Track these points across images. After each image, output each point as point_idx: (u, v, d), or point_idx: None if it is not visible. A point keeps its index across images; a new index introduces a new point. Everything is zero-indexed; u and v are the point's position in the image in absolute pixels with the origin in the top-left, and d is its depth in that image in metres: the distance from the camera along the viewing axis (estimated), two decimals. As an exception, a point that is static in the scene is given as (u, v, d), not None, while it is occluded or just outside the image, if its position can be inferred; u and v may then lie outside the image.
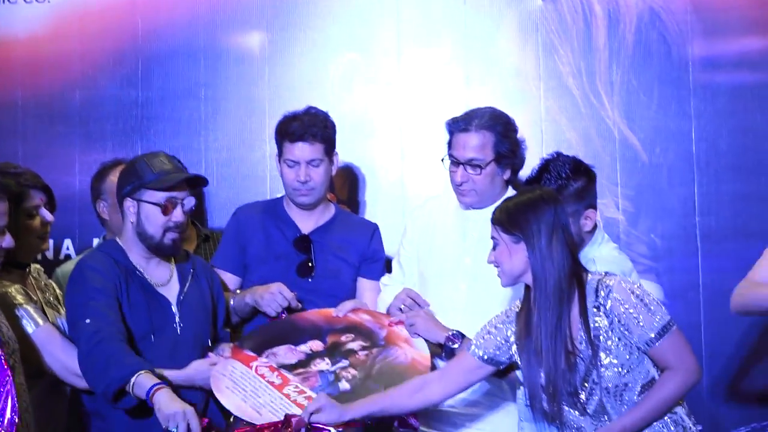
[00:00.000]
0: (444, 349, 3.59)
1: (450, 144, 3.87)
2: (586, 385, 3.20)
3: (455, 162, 3.83)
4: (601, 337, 3.18)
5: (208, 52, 4.88)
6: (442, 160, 3.89)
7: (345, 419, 3.36)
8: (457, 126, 3.85)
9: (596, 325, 3.18)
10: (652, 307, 3.17)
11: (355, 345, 3.71)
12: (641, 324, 3.15)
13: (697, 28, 4.69)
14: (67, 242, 4.83)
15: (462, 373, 3.42)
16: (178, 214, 3.64)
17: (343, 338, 3.73)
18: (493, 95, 4.71)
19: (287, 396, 3.54)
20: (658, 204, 4.67)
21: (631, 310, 3.16)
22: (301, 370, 3.62)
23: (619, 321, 3.16)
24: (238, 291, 4.00)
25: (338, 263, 4.06)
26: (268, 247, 4.07)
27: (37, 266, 3.84)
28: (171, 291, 3.72)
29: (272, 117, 4.72)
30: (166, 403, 3.31)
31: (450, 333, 3.60)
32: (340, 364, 3.64)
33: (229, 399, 3.55)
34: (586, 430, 3.26)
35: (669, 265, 4.64)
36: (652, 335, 3.15)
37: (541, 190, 3.36)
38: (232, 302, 3.95)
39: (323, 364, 3.64)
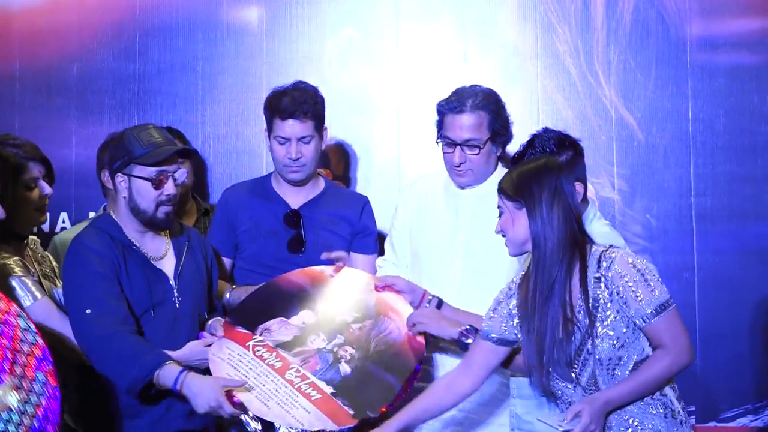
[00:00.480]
0: (459, 345, 3.56)
1: (442, 125, 3.86)
2: (580, 355, 3.19)
3: (450, 143, 3.83)
4: (599, 308, 3.17)
5: (206, 27, 4.87)
6: (437, 142, 3.88)
7: None
8: (450, 107, 3.83)
9: (596, 295, 3.17)
10: (652, 283, 3.16)
11: (347, 316, 3.69)
12: (639, 298, 3.14)
13: (695, 8, 4.68)
14: (63, 215, 4.83)
15: (483, 361, 3.41)
16: (170, 188, 3.62)
17: (333, 309, 3.71)
18: (491, 73, 4.71)
19: (291, 383, 3.51)
20: (654, 184, 4.67)
21: (631, 284, 3.14)
22: (298, 350, 3.60)
23: (618, 294, 3.15)
24: (234, 287, 3.98)
25: (329, 237, 4.05)
26: (258, 224, 4.07)
27: (34, 237, 3.85)
28: (168, 265, 3.71)
29: (269, 92, 4.71)
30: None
31: (463, 328, 3.55)
32: (336, 341, 3.62)
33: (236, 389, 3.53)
34: None
35: (664, 246, 4.65)
36: (649, 311, 3.14)
37: (546, 158, 3.36)
38: (227, 296, 3.93)
39: (319, 341, 3.63)
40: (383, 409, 3.48)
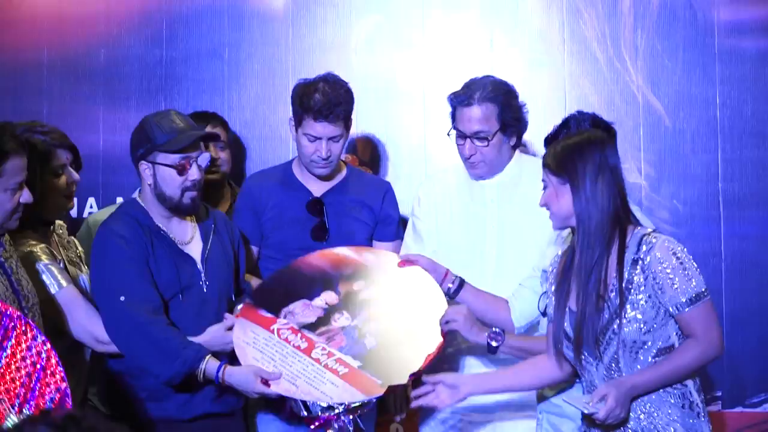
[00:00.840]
0: (488, 349, 3.57)
1: (454, 117, 3.88)
2: (605, 334, 3.18)
3: (461, 135, 3.85)
4: (632, 290, 3.15)
5: (232, 13, 4.87)
6: (448, 134, 3.91)
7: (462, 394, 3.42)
8: (459, 100, 3.86)
9: (631, 277, 3.16)
10: (689, 273, 3.14)
11: (368, 294, 3.69)
12: (675, 286, 3.12)
13: (723, -7, 4.67)
14: (91, 200, 4.85)
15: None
16: (194, 173, 3.63)
17: (355, 287, 3.71)
18: (517, 60, 4.71)
19: (317, 361, 3.52)
20: (681, 170, 4.65)
21: (668, 271, 3.12)
22: (323, 329, 3.61)
23: (654, 279, 3.13)
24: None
25: (352, 224, 4.07)
26: (282, 213, 4.08)
27: (60, 222, 3.87)
28: (195, 249, 3.73)
29: (295, 78, 4.67)
30: (238, 382, 3.52)
31: (491, 332, 3.56)
32: (361, 317, 3.63)
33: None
34: (598, 387, 3.24)
35: (691, 232, 4.63)
36: (684, 299, 3.12)
37: (589, 132, 3.36)
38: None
39: (343, 319, 3.63)
40: (412, 375, 3.50)
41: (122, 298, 3.55)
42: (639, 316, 3.16)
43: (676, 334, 3.19)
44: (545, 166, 3.27)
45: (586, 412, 3.19)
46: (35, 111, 4.79)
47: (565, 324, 3.27)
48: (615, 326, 3.17)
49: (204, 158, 3.68)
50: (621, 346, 3.18)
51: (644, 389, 3.18)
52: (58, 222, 3.84)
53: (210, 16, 4.88)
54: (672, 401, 3.20)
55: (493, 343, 3.54)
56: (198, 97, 4.86)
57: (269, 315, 3.65)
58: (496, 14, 4.77)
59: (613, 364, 3.20)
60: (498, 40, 4.77)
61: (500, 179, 3.89)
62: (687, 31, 4.67)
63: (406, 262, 3.72)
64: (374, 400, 3.52)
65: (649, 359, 3.18)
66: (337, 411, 3.44)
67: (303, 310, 3.66)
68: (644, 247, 3.16)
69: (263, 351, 3.56)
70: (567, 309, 3.27)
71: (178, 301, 3.64)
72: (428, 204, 4.01)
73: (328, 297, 3.69)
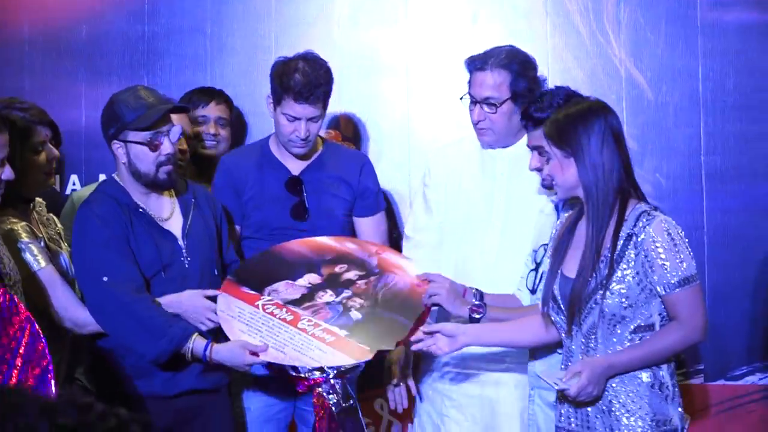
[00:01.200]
0: (470, 321, 3.58)
1: (469, 83, 3.89)
2: (587, 302, 3.19)
3: (473, 100, 3.86)
4: (622, 263, 3.15)
5: (215, -13, 4.85)
6: (461, 98, 3.91)
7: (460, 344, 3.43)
8: (474, 65, 3.87)
9: (622, 250, 3.16)
10: (682, 255, 3.14)
11: (351, 275, 3.73)
12: (665, 266, 3.12)
13: (706, -34, 4.66)
14: (74, 177, 4.83)
15: None
16: (167, 147, 3.63)
17: (338, 269, 3.74)
18: (500, 33, 4.68)
19: (304, 330, 3.56)
20: (664, 143, 4.65)
21: (660, 250, 3.12)
22: (307, 304, 3.64)
23: (645, 256, 3.13)
24: None
25: (331, 201, 4.07)
26: (261, 192, 4.07)
27: (40, 200, 3.86)
28: (175, 224, 3.73)
29: (278, 53, 4.65)
30: (226, 357, 3.55)
31: (472, 304, 3.57)
32: (344, 294, 3.67)
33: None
34: (574, 353, 3.26)
35: (674, 205, 4.62)
36: (674, 281, 3.12)
37: (589, 100, 3.35)
38: None
39: (327, 296, 3.66)
40: (398, 343, 3.55)
41: (105, 279, 3.56)
42: (623, 290, 3.16)
43: (659, 314, 3.19)
44: (547, 136, 3.27)
45: (557, 388, 3.20)
46: (17, 87, 4.76)
47: (555, 287, 3.27)
48: (598, 296, 3.16)
49: (175, 132, 3.66)
50: (600, 317, 3.17)
51: (622, 369, 3.17)
52: (38, 199, 3.82)
53: (192, -9, 4.86)
54: (643, 379, 3.19)
55: (476, 316, 3.55)
56: (181, 73, 4.84)
57: (252, 292, 3.67)
58: (478, -13, 4.76)
59: (591, 335, 3.20)
60: (481, 14, 4.75)
61: (512, 152, 3.89)
62: (669, 4, 4.65)
63: (424, 281, 3.69)
64: (362, 365, 3.54)
65: (627, 335, 3.18)
66: (326, 373, 3.46)
67: (286, 288, 3.69)
68: (640, 223, 3.16)
69: (249, 324, 3.58)
70: (559, 273, 3.28)
71: (160, 278, 3.65)
72: (438, 174, 4.02)
73: (311, 278, 3.72)
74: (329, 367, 3.46)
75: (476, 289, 3.63)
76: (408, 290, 3.68)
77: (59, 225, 3.89)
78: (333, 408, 3.44)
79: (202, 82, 4.74)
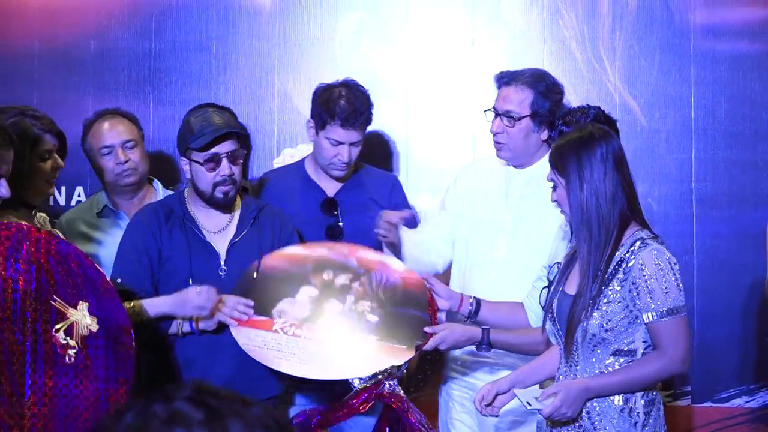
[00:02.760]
0: (478, 350, 3.66)
1: (497, 97, 3.98)
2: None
3: (495, 113, 3.95)
4: (609, 287, 3.18)
5: (220, 7, 4.94)
6: (486, 111, 4.00)
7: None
8: (502, 80, 3.98)
9: (612, 273, 3.18)
10: (668, 285, 3.15)
11: (343, 279, 3.74)
12: (651, 295, 3.13)
13: (700, -4, 4.75)
14: (79, 189, 4.92)
15: None
16: (224, 168, 3.77)
17: (326, 276, 3.75)
18: (498, 57, 4.78)
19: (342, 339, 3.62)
20: (656, 169, 4.73)
21: (647, 278, 3.14)
22: (322, 320, 3.66)
23: (633, 283, 3.15)
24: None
25: (365, 221, 4.12)
26: (299, 213, 4.15)
27: (43, 214, 3.95)
28: (222, 238, 3.85)
29: (281, 72, 4.83)
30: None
31: (479, 342, 3.61)
32: (350, 300, 3.70)
33: (293, 367, 3.59)
34: (561, 365, 3.31)
35: (665, 229, 4.68)
36: (659, 310, 3.13)
37: (591, 126, 3.34)
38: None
39: (336, 306, 3.68)
40: (429, 335, 3.59)
41: (119, 280, 3.71)
42: (606, 313, 3.18)
43: (644, 341, 3.20)
44: (551, 165, 3.30)
45: (530, 407, 3.22)
46: (26, 99, 4.81)
47: (554, 303, 3.32)
48: (583, 315, 3.19)
49: (237, 154, 3.80)
50: (580, 334, 3.20)
51: (599, 392, 3.19)
52: (41, 214, 3.92)
53: (198, 10, 4.95)
54: (614, 402, 3.21)
55: (482, 348, 3.61)
56: (185, 90, 4.93)
57: (262, 318, 3.66)
58: (478, 12, 4.85)
59: (572, 351, 3.24)
60: (480, 37, 4.85)
61: (528, 173, 3.97)
62: (664, 33, 4.75)
63: (357, 248, 3.80)
64: (406, 364, 3.59)
65: (606, 356, 3.20)
66: (378, 378, 3.51)
67: (292, 306, 3.69)
68: (634, 247, 3.18)
69: (281, 350, 3.59)
70: (560, 290, 3.32)
71: (188, 286, 3.72)
72: (462, 184, 4.12)
73: (308, 290, 3.73)
74: (382, 370, 3.51)
75: (474, 298, 3.70)
76: (402, 283, 3.73)
77: (62, 238, 3.97)
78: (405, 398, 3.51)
79: (206, 98, 4.81)
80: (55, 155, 3.80)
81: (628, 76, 4.76)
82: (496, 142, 3.97)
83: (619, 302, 3.18)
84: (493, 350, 3.66)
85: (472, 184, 4.10)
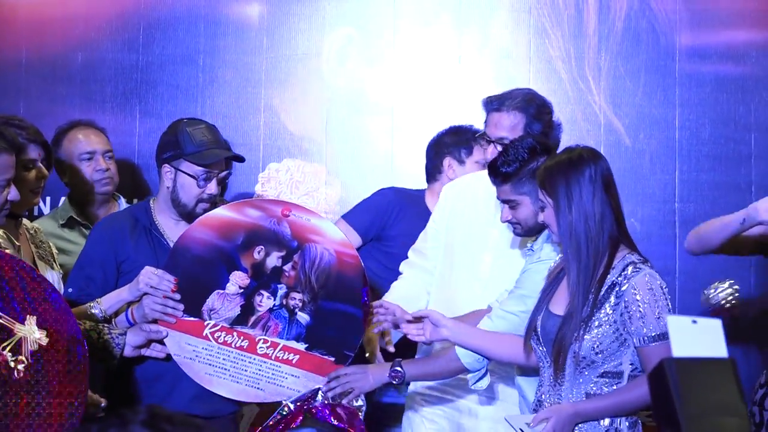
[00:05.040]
0: (394, 384, 3.68)
1: (485, 122, 3.93)
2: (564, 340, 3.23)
3: (487, 140, 3.90)
4: (600, 310, 3.18)
5: (208, 21, 4.96)
6: (477, 136, 4.00)
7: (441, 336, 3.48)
8: (491, 105, 3.91)
9: (604, 297, 3.18)
10: (660, 310, 3.15)
11: (273, 260, 3.66)
12: (643, 320, 3.14)
13: (685, 19, 4.77)
14: (64, 200, 4.92)
15: None
16: (212, 187, 3.72)
17: (257, 255, 3.66)
18: (484, 75, 4.81)
19: (267, 356, 3.60)
20: (639, 189, 4.76)
21: (640, 303, 3.14)
22: (253, 319, 3.63)
23: (625, 307, 3.15)
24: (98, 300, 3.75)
25: None
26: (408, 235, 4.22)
27: (35, 225, 3.96)
28: None
29: (268, 87, 4.85)
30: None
31: (391, 370, 3.60)
32: (280, 292, 3.64)
33: (221, 386, 3.61)
34: (543, 385, 3.32)
35: (647, 250, 4.60)
36: (650, 335, 3.13)
37: (579, 148, 3.34)
38: (95, 311, 3.70)
39: (266, 300, 3.64)
40: (364, 338, 3.64)
41: (70, 290, 3.69)
42: (597, 336, 3.18)
43: (631, 364, 3.21)
44: (540, 186, 3.31)
45: None
46: (13, 110, 4.83)
47: (538, 322, 3.32)
48: (574, 337, 3.20)
49: (224, 176, 3.79)
50: (571, 356, 3.21)
51: (588, 417, 3.20)
52: (33, 224, 3.92)
53: (186, 23, 4.97)
54: (601, 423, 3.22)
55: (397, 381, 3.61)
56: (172, 103, 4.94)
57: (192, 318, 3.62)
58: (465, 31, 4.87)
59: (560, 372, 3.24)
60: (466, 55, 4.87)
61: None
62: (649, 54, 4.79)
63: (288, 208, 3.70)
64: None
65: (594, 378, 3.21)
66: (308, 396, 3.53)
67: (222, 304, 3.63)
68: (627, 272, 3.18)
69: (212, 363, 3.60)
70: (545, 309, 3.32)
71: None
72: (444, 205, 4.10)
73: (238, 280, 3.65)
74: (311, 391, 3.53)
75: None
76: (336, 264, 3.67)
77: (54, 249, 3.98)
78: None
79: (193, 112, 4.83)
80: (40, 165, 3.80)
81: (613, 97, 4.79)
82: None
83: (610, 325, 3.19)
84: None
85: (456, 202, 4.09)
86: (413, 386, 3.95)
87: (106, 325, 3.59)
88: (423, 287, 4.05)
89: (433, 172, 4.46)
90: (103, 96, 4.98)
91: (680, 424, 2.05)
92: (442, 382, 3.88)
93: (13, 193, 3.31)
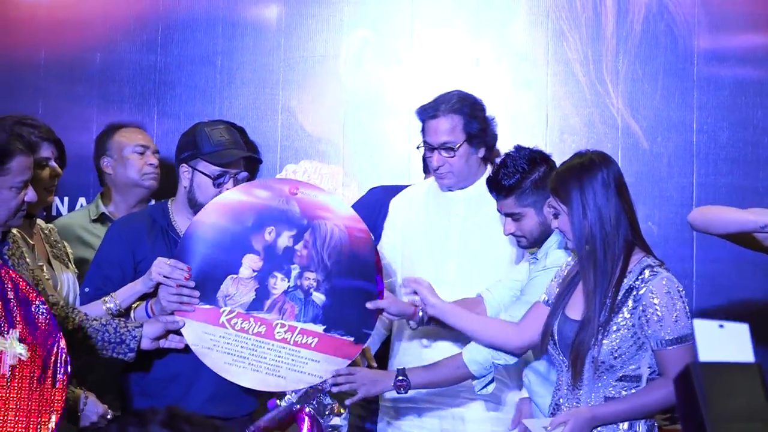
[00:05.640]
0: (397, 393, 3.67)
1: (423, 131, 3.96)
2: (582, 345, 3.24)
3: (430, 147, 3.92)
4: (619, 314, 3.20)
5: (227, 22, 4.97)
6: (418, 147, 4.00)
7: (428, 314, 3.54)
8: (426, 113, 3.94)
9: (622, 302, 3.20)
10: (678, 314, 3.17)
11: (285, 240, 3.63)
12: (661, 323, 3.16)
13: (704, 22, 4.76)
14: (82, 200, 4.93)
15: (535, 322, 3.42)
16: (229, 187, 3.72)
17: (268, 236, 3.63)
18: (502, 78, 4.81)
19: (285, 341, 3.57)
20: (657, 192, 4.75)
21: (658, 307, 3.16)
22: (268, 303, 3.60)
23: (642, 310, 3.17)
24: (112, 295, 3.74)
25: None
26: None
27: (51, 225, 3.97)
28: None
29: (285, 88, 4.86)
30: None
31: (396, 380, 3.62)
32: (294, 273, 3.61)
33: (241, 376, 3.58)
34: (561, 388, 3.33)
35: (664, 253, 4.64)
36: (667, 338, 3.15)
37: (590, 153, 3.35)
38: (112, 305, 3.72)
39: (280, 282, 3.61)
40: (377, 315, 3.61)
41: (87, 290, 3.70)
42: (616, 341, 3.20)
43: (649, 367, 3.22)
44: (552, 192, 3.31)
45: None
46: (31, 109, 4.84)
47: (555, 327, 3.32)
48: (593, 342, 3.21)
49: (241, 176, 3.80)
50: (589, 361, 3.22)
51: (605, 420, 3.22)
52: (49, 225, 3.94)
53: (204, 25, 4.98)
54: (620, 427, 3.24)
55: (402, 391, 3.61)
56: (190, 103, 4.95)
57: (208, 306, 3.60)
58: (483, 33, 4.87)
59: (578, 376, 3.25)
60: (484, 58, 4.87)
61: (468, 194, 3.95)
62: (667, 58, 4.77)
63: (296, 186, 3.67)
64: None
65: (612, 382, 3.23)
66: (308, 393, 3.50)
67: (237, 289, 3.61)
68: (644, 276, 3.20)
69: (230, 352, 3.57)
70: (561, 314, 3.32)
71: None
72: (395, 218, 4.09)
73: (251, 263, 3.63)
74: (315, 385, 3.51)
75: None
76: (348, 240, 3.64)
77: (69, 249, 3.99)
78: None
79: (210, 113, 4.85)
80: (53, 163, 3.82)
81: (630, 100, 4.78)
82: (439, 174, 3.93)
83: (628, 329, 3.20)
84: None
85: (407, 214, 4.07)
86: (389, 394, 3.89)
87: (122, 318, 3.59)
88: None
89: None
90: (121, 96, 4.99)
91: (706, 428, 2.05)
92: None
93: (30, 195, 3.33)
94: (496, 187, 3.62)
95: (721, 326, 2.36)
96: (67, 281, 3.82)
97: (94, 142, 4.53)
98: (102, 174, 4.47)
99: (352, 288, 3.62)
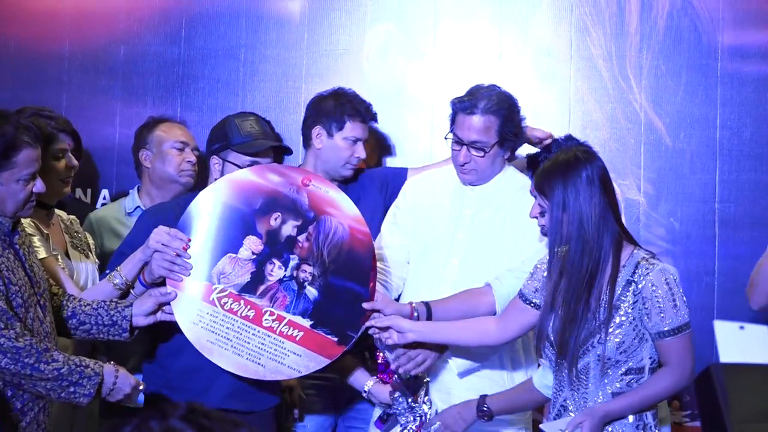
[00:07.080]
0: (479, 417, 3.65)
1: (454, 122, 3.89)
2: (584, 344, 3.27)
3: (459, 141, 3.86)
4: (620, 310, 3.24)
5: (250, 15, 4.99)
6: (446, 137, 3.92)
7: (409, 340, 3.56)
8: (462, 107, 3.86)
9: (621, 296, 3.24)
10: (678, 303, 3.23)
11: (289, 228, 3.62)
12: (662, 315, 3.22)
13: (728, 18, 4.75)
14: (105, 192, 4.96)
15: (516, 317, 3.50)
16: None
17: (273, 222, 3.62)
18: (525, 73, 4.81)
19: (271, 330, 3.55)
20: (679, 188, 4.74)
21: (659, 299, 3.21)
22: (262, 288, 3.58)
23: (643, 303, 3.22)
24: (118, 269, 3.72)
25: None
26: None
27: (72, 217, 4.01)
28: None
29: (308, 82, 4.87)
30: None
31: (478, 409, 3.61)
32: (292, 263, 3.61)
33: (222, 357, 3.54)
34: (564, 389, 3.36)
35: (686, 249, 4.73)
36: (668, 329, 3.22)
37: (576, 149, 3.37)
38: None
39: (276, 270, 3.60)
40: (364, 319, 3.62)
41: (107, 271, 3.69)
42: (620, 336, 3.25)
43: (650, 357, 3.28)
44: (537, 190, 3.34)
45: None
46: (56, 102, 4.90)
47: (550, 326, 3.34)
48: (596, 340, 3.25)
49: None
50: (594, 360, 3.27)
51: (616, 415, 3.28)
52: (70, 216, 3.97)
53: (228, 18, 5.00)
54: (629, 420, 3.30)
55: (485, 420, 3.60)
56: (213, 96, 4.98)
57: (203, 281, 3.56)
58: (506, 27, 4.88)
59: (582, 375, 3.29)
60: (507, 52, 4.87)
61: (482, 190, 3.92)
62: (691, 54, 4.76)
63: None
64: None
65: (618, 376, 3.28)
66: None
67: (233, 268, 3.58)
68: (641, 270, 3.24)
69: (215, 331, 3.53)
70: (554, 312, 3.35)
71: None
72: (411, 200, 4.05)
73: (252, 245, 3.60)
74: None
75: (422, 304, 3.69)
76: (349, 240, 3.65)
77: (90, 239, 4.02)
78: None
79: (233, 106, 4.87)
80: (70, 154, 3.86)
81: (654, 95, 4.77)
82: (464, 169, 3.88)
83: (630, 323, 3.25)
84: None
85: (422, 199, 4.03)
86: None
87: (113, 300, 3.57)
88: (405, 256, 4.00)
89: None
90: (144, 89, 5.02)
91: (727, 429, 2.06)
92: None
93: (38, 185, 3.35)
94: (535, 165, 3.67)
95: (742, 327, 2.36)
96: (86, 270, 3.85)
97: (135, 133, 4.55)
98: (140, 166, 4.48)
99: (345, 288, 3.62)
